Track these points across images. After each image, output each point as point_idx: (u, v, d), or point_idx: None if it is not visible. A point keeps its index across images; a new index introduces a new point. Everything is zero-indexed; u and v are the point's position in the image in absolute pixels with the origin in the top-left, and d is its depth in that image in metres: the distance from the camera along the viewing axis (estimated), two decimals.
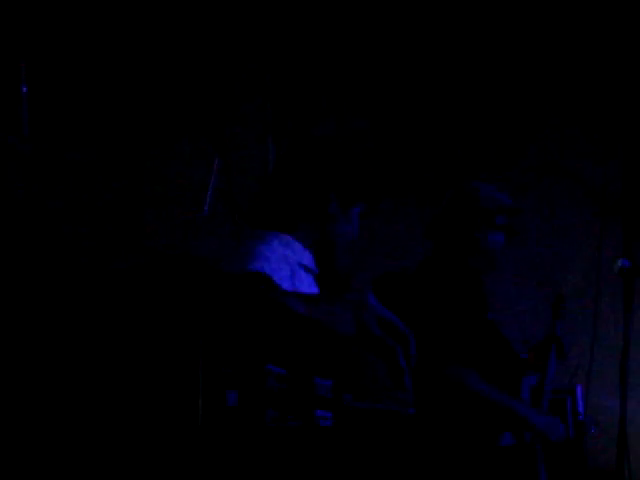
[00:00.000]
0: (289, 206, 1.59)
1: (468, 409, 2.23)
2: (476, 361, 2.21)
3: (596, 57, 3.55)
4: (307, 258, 1.57)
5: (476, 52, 3.66)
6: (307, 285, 1.59)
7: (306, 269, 1.56)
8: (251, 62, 3.62)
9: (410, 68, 3.69)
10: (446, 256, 2.41)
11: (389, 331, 1.02)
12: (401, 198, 3.49)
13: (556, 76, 3.64)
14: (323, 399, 0.84)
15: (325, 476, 0.81)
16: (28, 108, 2.95)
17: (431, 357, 2.12)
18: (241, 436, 0.66)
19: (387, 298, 1.07)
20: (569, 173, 3.65)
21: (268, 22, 3.54)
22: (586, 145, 3.61)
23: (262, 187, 1.74)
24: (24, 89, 2.90)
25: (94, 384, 0.64)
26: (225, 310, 0.66)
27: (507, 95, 3.67)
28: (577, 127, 3.60)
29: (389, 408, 1.02)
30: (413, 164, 3.66)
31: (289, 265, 1.53)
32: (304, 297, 0.99)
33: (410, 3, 3.62)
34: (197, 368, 0.60)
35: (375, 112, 3.71)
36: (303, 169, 1.62)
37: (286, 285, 1.46)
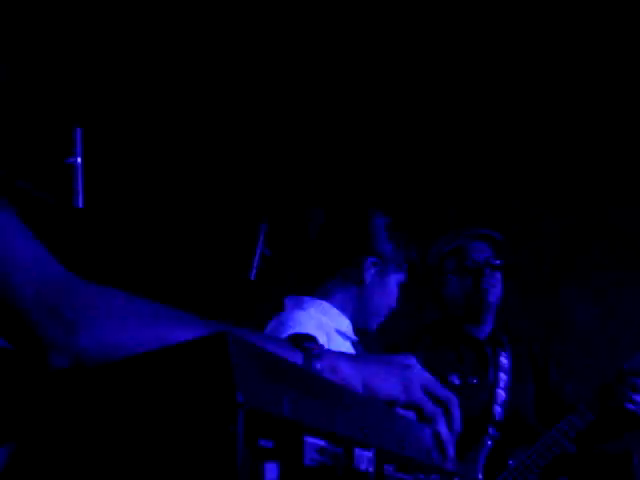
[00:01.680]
0: (325, 272, 1.60)
1: None
2: None
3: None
4: (344, 324, 1.57)
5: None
6: (344, 351, 1.59)
7: (343, 335, 1.56)
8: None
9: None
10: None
11: (431, 396, 1.01)
12: None
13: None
14: (364, 473, 0.83)
15: None
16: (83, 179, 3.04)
17: None
18: None
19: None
20: None
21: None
22: None
23: (299, 253, 1.77)
24: (79, 160, 3.00)
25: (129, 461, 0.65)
26: (259, 379, 0.67)
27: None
28: None
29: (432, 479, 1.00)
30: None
31: (325, 331, 1.53)
32: (351, 357, 0.99)
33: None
34: (234, 441, 0.61)
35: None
36: (339, 235, 1.63)
37: None
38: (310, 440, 0.71)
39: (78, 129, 3.01)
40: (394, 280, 1.66)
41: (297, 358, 0.93)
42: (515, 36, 3.52)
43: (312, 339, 0.98)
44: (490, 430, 2.33)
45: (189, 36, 3.47)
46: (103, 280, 0.84)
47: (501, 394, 2.42)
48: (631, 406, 2.23)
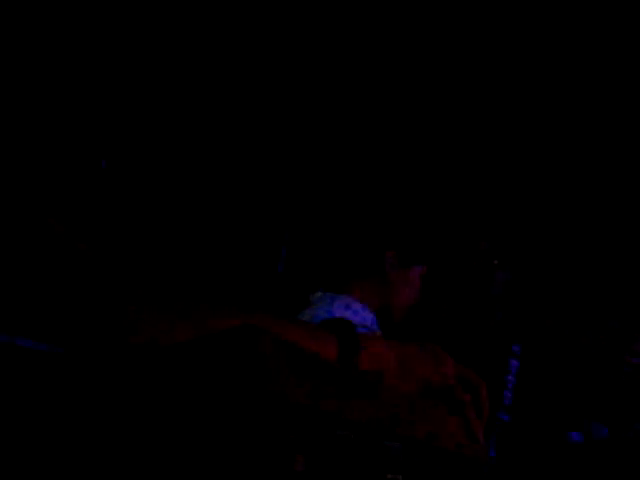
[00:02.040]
0: (346, 266, 1.60)
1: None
2: None
3: None
4: (369, 319, 1.57)
5: None
6: None
7: (368, 330, 1.56)
8: None
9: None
10: None
11: (462, 380, 1.02)
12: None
13: None
14: (394, 462, 0.84)
15: None
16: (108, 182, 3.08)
17: None
18: None
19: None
20: None
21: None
22: None
23: (321, 248, 1.77)
24: (103, 163, 3.03)
25: (162, 449, 0.66)
26: (288, 372, 0.68)
27: None
28: None
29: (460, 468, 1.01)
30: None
31: None
32: (386, 340, 1.00)
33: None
34: (263, 434, 0.62)
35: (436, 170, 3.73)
36: (359, 228, 1.63)
37: None
38: (338, 433, 0.73)
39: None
40: (416, 272, 1.65)
41: (331, 342, 0.95)
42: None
43: (346, 322, 0.98)
44: (500, 415, 2.34)
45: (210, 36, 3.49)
46: (136, 275, 0.86)
47: (511, 380, 2.42)
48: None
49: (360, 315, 1.57)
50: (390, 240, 1.65)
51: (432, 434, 0.97)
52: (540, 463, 2.24)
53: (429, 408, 0.99)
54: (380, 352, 0.97)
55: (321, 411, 0.70)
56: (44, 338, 0.80)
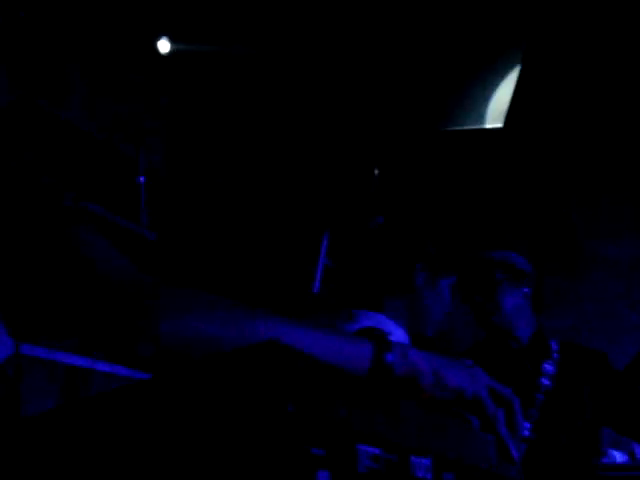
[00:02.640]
0: (376, 281, 1.58)
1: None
2: None
3: None
4: (400, 335, 1.55)
5: None
6: None
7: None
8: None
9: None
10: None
11: (494, 394, 1.01)
12: None
13: None
14: (421, 479, 0.82)
15: None
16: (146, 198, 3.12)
17: None
18: None
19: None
20: None
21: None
22: None
23: (352, 265, 1.76)
24: (142, 179, 3.07)
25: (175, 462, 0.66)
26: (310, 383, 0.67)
27: None
28: None
29: None
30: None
31: None
32: (420, 350, 1.00)
33: None
34: (283, 448, 0.61)
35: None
36: (387, 241, 1.62)
37: None
38: (363, 448, 0.71)
39: (142, 149, 3.08)
40: (445, 284, 1.64)
41: (367, 349, 0.94)
42: None
43: (379, 330, 0.98)
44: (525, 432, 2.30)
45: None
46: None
47: (539, 398, 2.37)
48: None
49: (391, 332, 1.56)
50: (418, 254, 1.63)
51: (463, 452, 0.95)
52: None
53: (462, 423, 0.97)
54: (414, 359, 0.97)
55: (345, 426, 0.69)
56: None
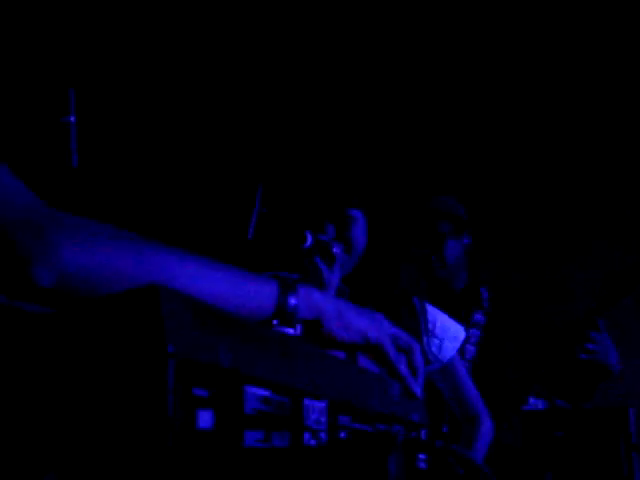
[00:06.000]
0: (270, 246, 1.63)
1: None
2: None
3: None
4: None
5: None
6: None
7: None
8: None
9: None
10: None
11: (395, 342, 1.05)
12: None
13: None
14: (316, 423, 0.84)
15: None
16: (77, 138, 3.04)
17: None
18: (216, 459, 0.66)
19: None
20: None
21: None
22: None
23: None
24: (73, 119, 2.99)
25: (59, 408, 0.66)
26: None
27: None
28: None
29: (394, 429, 1.01)
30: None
31: None
32: (324, 293, 1.03)
33: None
34: (164, 391, 0.61)
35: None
36: (283, 207, 1.66)
37: None
38: (252, 390, 0.72)
39: (72, 89, 3.00)
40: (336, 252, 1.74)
41: (272, 288, 0.96)
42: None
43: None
44: None
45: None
46: None
47: (470, 349, 2.43)
48: (584, 356, 2.29)
49: None
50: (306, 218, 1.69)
51: (362, 396, 0.97)
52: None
53: (360, 373, 0.99)
54: (319, 300, 0.99)
55: (231, 368, 0.70)
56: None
